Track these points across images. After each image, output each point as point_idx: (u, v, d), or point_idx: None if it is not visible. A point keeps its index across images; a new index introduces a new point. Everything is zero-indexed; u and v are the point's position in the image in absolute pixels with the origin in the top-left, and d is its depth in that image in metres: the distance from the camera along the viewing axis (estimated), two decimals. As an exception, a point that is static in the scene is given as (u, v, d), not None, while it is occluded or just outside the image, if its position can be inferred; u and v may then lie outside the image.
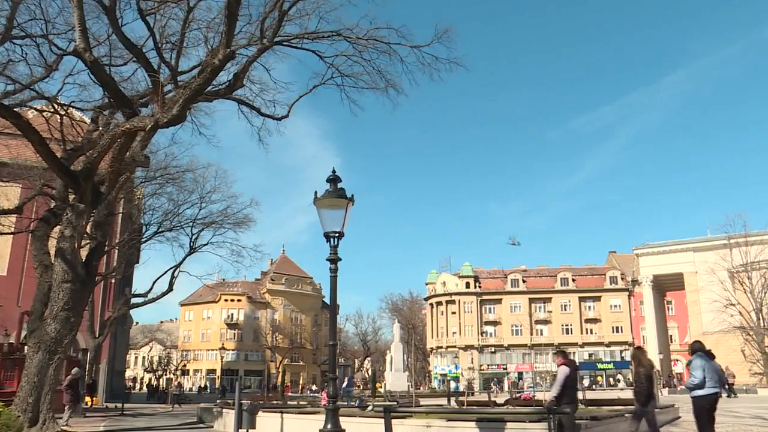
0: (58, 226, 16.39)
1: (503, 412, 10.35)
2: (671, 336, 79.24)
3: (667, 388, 52.35)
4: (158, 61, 15.41)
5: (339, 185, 8.74)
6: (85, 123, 19.97)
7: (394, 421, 9.11)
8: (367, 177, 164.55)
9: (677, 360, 78.62)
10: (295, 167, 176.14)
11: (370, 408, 16.38)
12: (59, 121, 18.36)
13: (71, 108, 19.13)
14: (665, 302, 78.62)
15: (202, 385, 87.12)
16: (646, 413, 10.48)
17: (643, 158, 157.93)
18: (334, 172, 8.83)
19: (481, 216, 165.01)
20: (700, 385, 9.62)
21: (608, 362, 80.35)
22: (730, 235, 58.62)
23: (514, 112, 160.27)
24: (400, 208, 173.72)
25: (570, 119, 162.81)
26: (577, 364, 10.05)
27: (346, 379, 33.39)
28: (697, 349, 10.16)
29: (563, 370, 9.84)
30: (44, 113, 18.96)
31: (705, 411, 9.73)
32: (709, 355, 10.05)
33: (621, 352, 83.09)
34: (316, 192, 8.71)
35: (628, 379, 70.29)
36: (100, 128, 18.04)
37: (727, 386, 37.17)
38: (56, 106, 18.20)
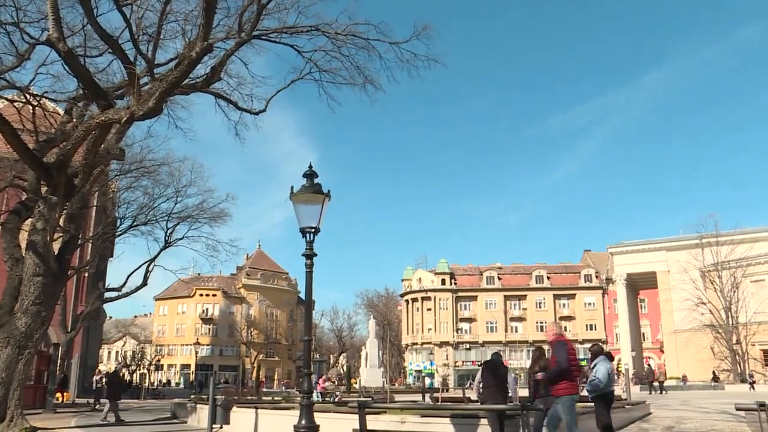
0: (30, 219, 16.11)
1: (477, 408, 10.41)
2: (644, 334, 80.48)
3: (638, 386, 53.15)
4: (134, 52, 15.20)
5: (315, 181, 8.72)
6: (59, 114, 19.63)
7: (368, 417, 9.12)
8: (344, 173, 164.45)
9: (649, 357, 79.85)
10: (272, 162, 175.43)
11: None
12: (31, 111, 18.02)
13: (44, 98, 18.75)
14: (638, 300, 79.76)
15: (176, 381, 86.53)
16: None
17: (618, 158, 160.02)
18: (310, 167, 8.81)
19: (457, 213, 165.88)
20: (605, 385, 10.09)
21: (582, 359, 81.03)
22: (702, 234, 59.65)
23: (492, 111, 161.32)
24: (377, 204, 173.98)
25: (547, 118, 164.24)
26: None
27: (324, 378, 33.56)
28: (599, 351, 10.67)
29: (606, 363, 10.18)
30: (16, 103, 18.56)
31: (605, 407, 10.21)
32: (609, 357, 10.59)
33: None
34: (292, 187, 8.69)
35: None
36: (74, 120, 17.76)
37: (658, 383, 38.17)
38: (28, 96, 17.83)
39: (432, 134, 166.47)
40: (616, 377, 10.59)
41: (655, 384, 43.00)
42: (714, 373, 53.06)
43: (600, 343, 11.77)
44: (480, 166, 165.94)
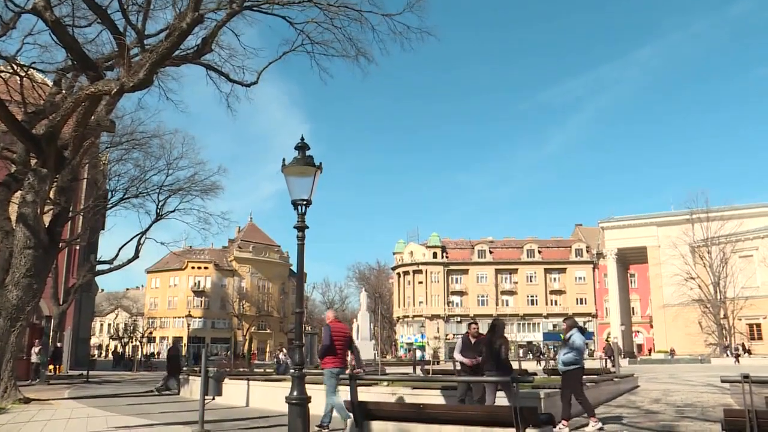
0: (20, 191, 16.01)
1: (467, 380, 10.54)
2: (633, 308, 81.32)
3: (627, 359, 53.90)
4: (124, 23, 14.97)
5: (307, 153, 8.68)
6: (47, 85, 19.34)
7: (359, 388, 9.21)
8: (336, 145, 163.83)
9: (638, 331, 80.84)
10: (264, 134, 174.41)
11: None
12: (19, 82, 17.75)
13: (32, 69, 18.48)
14: (628, 275, 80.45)
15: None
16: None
17: (610, 132, 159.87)
18: (302, 139, 8.76)
19: (449, 187, 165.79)
20: (578, 360, 10.09)
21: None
22: (692, 210, 60.14)
23: (484, 84, 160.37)
24: (369, 177, 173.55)
25: (539, 91, 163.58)
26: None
27: (283, 352, 33.03)
28: (573, 325, 10.60)
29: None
30: (2, 74, 18.28)
31: (580, 381, 10.18)
32: (582, 331, 10.54)
33: (584, 323, 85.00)
34: (284, 159, 8.64)
35: (592, 348, 72.24)
36: (64, 91, 17.58)
37: (612, 358, 38.03)
38: (15, 66, 17.53)
39: (424, 106, 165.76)
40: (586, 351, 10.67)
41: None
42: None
43: (572, 316, 11.70)
44: (472, 139, 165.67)
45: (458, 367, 11.69)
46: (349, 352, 10.62)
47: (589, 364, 32.05)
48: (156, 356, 75.89)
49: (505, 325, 10.50)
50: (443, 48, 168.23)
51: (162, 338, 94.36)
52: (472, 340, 11.00)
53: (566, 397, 9.97)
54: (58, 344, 33.41)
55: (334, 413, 9.97)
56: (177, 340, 66.30)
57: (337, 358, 10.35)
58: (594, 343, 77.93)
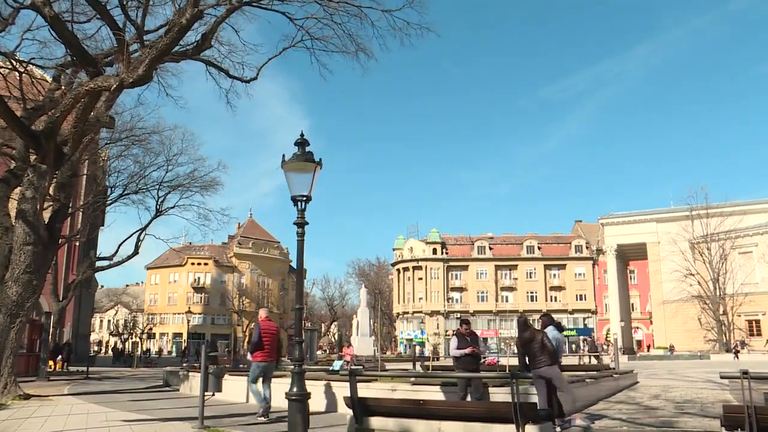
0: (19, 187, 15.99)
1: (467, 376, 10.55)
2: (633, 304, 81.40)
3: (626, 355, 53.93)
4: (123, 19, 14.92)
5: (307, 149, 8.67)
6: (47, 81, 19.30)
7: (359, 384, 9.21)
8: (335, 141, 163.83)
9: (637, 328, 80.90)
10: (264, 130, 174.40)
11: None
12: (18, 78, 17.72)
13: (31, 65, 18.42)
14: (628, 271, 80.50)
15: (168, 349, 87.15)
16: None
17: (611, 128, 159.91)
18: (302, 135, 8.74)
19: (449, 183, 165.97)
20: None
21: (571, 329, 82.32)
22: (692, 206, 60.17)
23: (485, 80, 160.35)
24: (369, 173, 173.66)
25: (540, 87, 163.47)
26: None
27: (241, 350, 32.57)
28: (549, 322, 10.54)
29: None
30: (2, 70, 18.25)
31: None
32: (559, 328, 10.53)
33: (584, 319, 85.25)
34: (284, 155, 8.62)
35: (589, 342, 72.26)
36: (63, 87, 17.52)
37: (595, 354, 38.21)
38: (14, 62, 17.48)
39: (424, 102, 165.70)
40: (565, 349, 10.52)
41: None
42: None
43: (548, 313, 11.63)
44: (472, 135, 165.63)
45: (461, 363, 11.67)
46: (348, 347, 11.00)
47: (570, 360, 32.31)
48: (159, 354, 75.80)
49: (527, 320, 10.28)
50: (443, 44, 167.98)
51: (162, 334, 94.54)
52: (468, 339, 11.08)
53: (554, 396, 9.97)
54: (67, 340, 33.69)
55: (271, 401, 11.24)
56: (215, 337, 66.37)
57: (264, 353, 11.54)
58: (594, 338, 78.00)
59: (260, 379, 11.48)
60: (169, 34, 13.27)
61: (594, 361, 30.26)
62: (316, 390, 9.46)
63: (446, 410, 8.50)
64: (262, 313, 12.45)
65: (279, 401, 10.81)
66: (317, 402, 11.69)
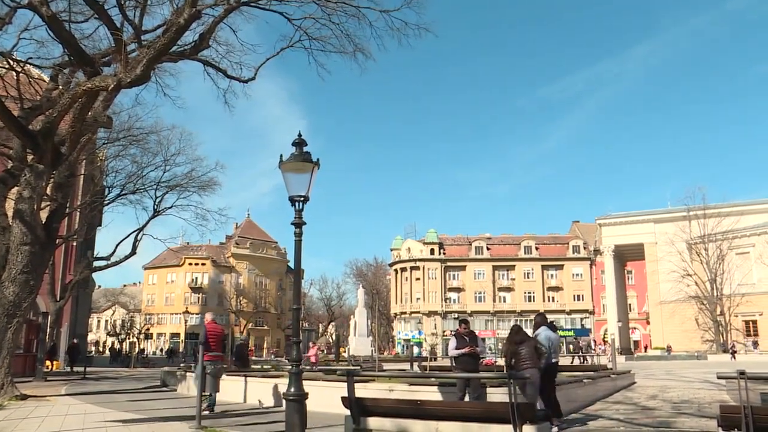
0: (16, 187, 15.96)
1: (465, 377, 10.55)
2: (630, 305, 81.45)
3: (624, 355, 54.01)
4: (121, 18, 14.91)
5: (305, 149, 8.67)
6: (44, 81, 19.26)
7: (357, 385, 9.22)
8: (333, 140, 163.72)
9: (635, 328, 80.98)
10: (261, 130, 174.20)
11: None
12: (15, 78, 17.69)
13: (28, 65, 18.38)
14: (625, 272, 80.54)
15: (167, 349, 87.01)
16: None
17: (608, 129, 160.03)
18: (300, 135, 8.74)
19: (447, 183, 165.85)
20: (547, 357, 9.97)
21: (569, 330, 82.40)
22: (689, 207, 60.23)
23: (483, 79, 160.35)
24: (367, 173, 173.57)
25: (538, 87, 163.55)
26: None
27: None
28: (542, 322, 10.59)
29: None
30: (-2, 70, 18.24)
31: (547, 381, 9.94)
32: (552, 328, 10.53)
33: (581, 319, 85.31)
34: (281, 155, 8.63)
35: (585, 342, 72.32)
36: (60, 87, 17.48)
37: (581, 354, 38.25)
38: (11, 62, 17.45)
39: (422, 102, 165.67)
40: (561, 349, 10.47)
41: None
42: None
43: (542, 313, 11.66)
44: (470, 135, 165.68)
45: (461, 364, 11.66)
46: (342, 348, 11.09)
47: (562, 361, 32.35)
48: (160, 351, 75.61)
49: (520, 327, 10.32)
50: (441, 44, 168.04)
51: (159, 334, 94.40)
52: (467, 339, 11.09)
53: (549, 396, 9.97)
54: (74, 341, 33.88)
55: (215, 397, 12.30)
56: (243, 337, 66.06)
57: (213, 355, 12.49)
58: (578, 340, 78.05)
59: (208, 376, 12.00)
60: (167, 34, 13.26)
61: (576, 362, 30.33)
62: (313, 390, 9.44)
63: (443, 410, 8.51)
64: (208, 317, 13.38)
65: (277, 401, 10.80)
66: (314, 402, 11.69)
